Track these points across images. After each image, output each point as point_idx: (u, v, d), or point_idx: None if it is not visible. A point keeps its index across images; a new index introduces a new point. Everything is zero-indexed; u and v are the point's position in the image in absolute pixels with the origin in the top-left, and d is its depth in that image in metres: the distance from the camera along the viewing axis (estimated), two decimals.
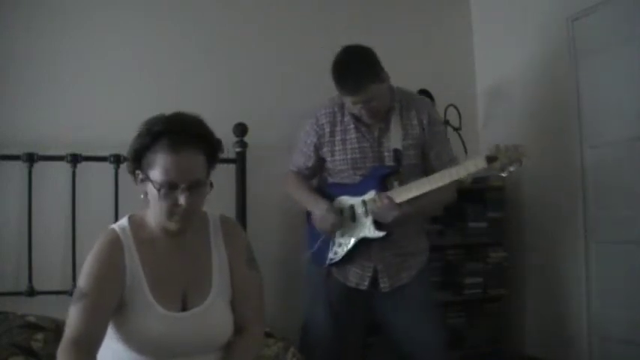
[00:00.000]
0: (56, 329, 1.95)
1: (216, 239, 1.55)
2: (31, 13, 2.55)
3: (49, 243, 2.46)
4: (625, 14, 2.53)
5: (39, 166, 2.44)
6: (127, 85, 2.65)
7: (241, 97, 2.85)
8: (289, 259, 2.84)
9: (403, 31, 3.17)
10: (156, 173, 1.38)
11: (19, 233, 2.44)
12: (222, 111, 2.44)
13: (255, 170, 2.78)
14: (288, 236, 2.86)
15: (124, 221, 1.51)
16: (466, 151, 3.02)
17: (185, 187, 1.38)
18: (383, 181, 2.14)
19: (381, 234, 2.11)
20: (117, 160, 2.51)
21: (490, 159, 1.90)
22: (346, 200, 2.20)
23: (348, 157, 2.21)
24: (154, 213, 1.46)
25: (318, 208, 2.20)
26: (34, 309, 2.17)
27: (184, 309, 1.45)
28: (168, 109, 1.45)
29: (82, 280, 1.39)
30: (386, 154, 2.18)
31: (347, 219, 2.18)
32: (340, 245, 2.20)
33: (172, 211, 1.40)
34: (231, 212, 2.60)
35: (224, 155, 1.74)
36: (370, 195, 2.13)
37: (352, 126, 2.21)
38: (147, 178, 1.41)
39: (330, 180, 2.31)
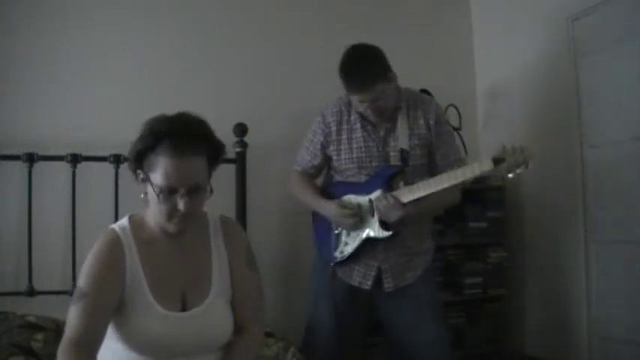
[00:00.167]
0: (56, 329, 1.95)
1: (217, 239, 1.55)
2: (31, 13, 2.55)
3: (49, 243, 2.46)
4: (625, 14, 2.53)
5: (39, 166, 2.44)
6: (127, 85, 2.65)
7: (241, 97, 2.85)
8: (289, 259, 2.84)
9: (403, 31, 3.17)
10: (156, 176, 1.38)
11: (19, 233, 2.44)
12: (222, 111, 2.44)
13: (255, 170, 2.78)
14: (288, 236, 2.86)
15: (124, 221, 1.51)
16: (466, 151, 3.02)
17: (185, 191, 1.38)
18: (389, 180, 2.13)
19: (387, 234, 2.11)
20: (117, 160, 2.51)
21: (497, 161, 1.88)
22: (353, 199, 2.19)
23: (354, 155, 2.21)
24: (153, 214, 1.46)
25: (327, 212, 2.20)
26: (34, 309, 2.17)
27: (184, 309, 1.45)
28: (168, 109, 1.45)
29: (82, 280, 1.39)
30: (392, 153, 2.18)
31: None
32: (346, 244, 2.20)
33: (171, 214, 1.41)
34: (231, 212, 2.60)
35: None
36: (376, 194, 2.12)
37: (358, 125, 2.21)
38: (147, 179, 1.41)
39: (336, 178, 2.31)
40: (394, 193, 2.07)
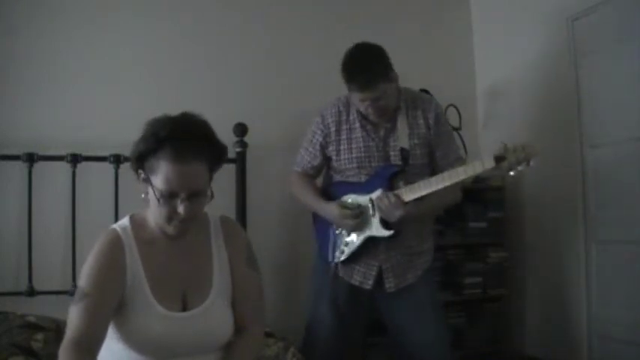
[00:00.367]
0: (56, 329, 1.95)
1: (217, 240, 1.55)
2: (31, 13, 2.55)
3: (49, 243, 2.47)
4: (625, 14, 2.53)
5: (39, 166, 2.44)
6: (127, 85, 2.65)
7: (241, 97, 2.85)
8: (289, 259, 2.84)
9: (403, 31, 3.17)
10: (157, 180, 1.38)
11: (19, 233, 2.44)
12: (222, 111, 2.43)
13: (255, 170, 2.78)
14: (288, 236, 2.86)
15: (125, 221, 1.51)
16: (466, 151, 3.02)
17: (185, 196, 1.38)
18: (390, 180, 2.13)
19: (388, 233, 2.11)
20: (117, 160, 2.51)
21: (498, 159, 1.88)
22: (353, 199, 2.19)
23: (354, 155, 2.21)
24: (153, 215, 1.46)
25: (328, 214, 2.20)
26: (34, 309, 2.17)
27: (185, 309, 1.45)
28: (168, 109, 1.44)
29: (83, 280, 1.39)
30: (392, 153, 2.18)
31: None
32: (347, 244, 2.20)
33: (171, 217, 1.41)
34: (231, 212, 2.60)
35: None
36: (377, 193, 2.12)
37: (358, 125, 2.21)
38: (148, 180, 1.41)
39: (336, 178, 2.30)
40: (395, 192, 2.07)
